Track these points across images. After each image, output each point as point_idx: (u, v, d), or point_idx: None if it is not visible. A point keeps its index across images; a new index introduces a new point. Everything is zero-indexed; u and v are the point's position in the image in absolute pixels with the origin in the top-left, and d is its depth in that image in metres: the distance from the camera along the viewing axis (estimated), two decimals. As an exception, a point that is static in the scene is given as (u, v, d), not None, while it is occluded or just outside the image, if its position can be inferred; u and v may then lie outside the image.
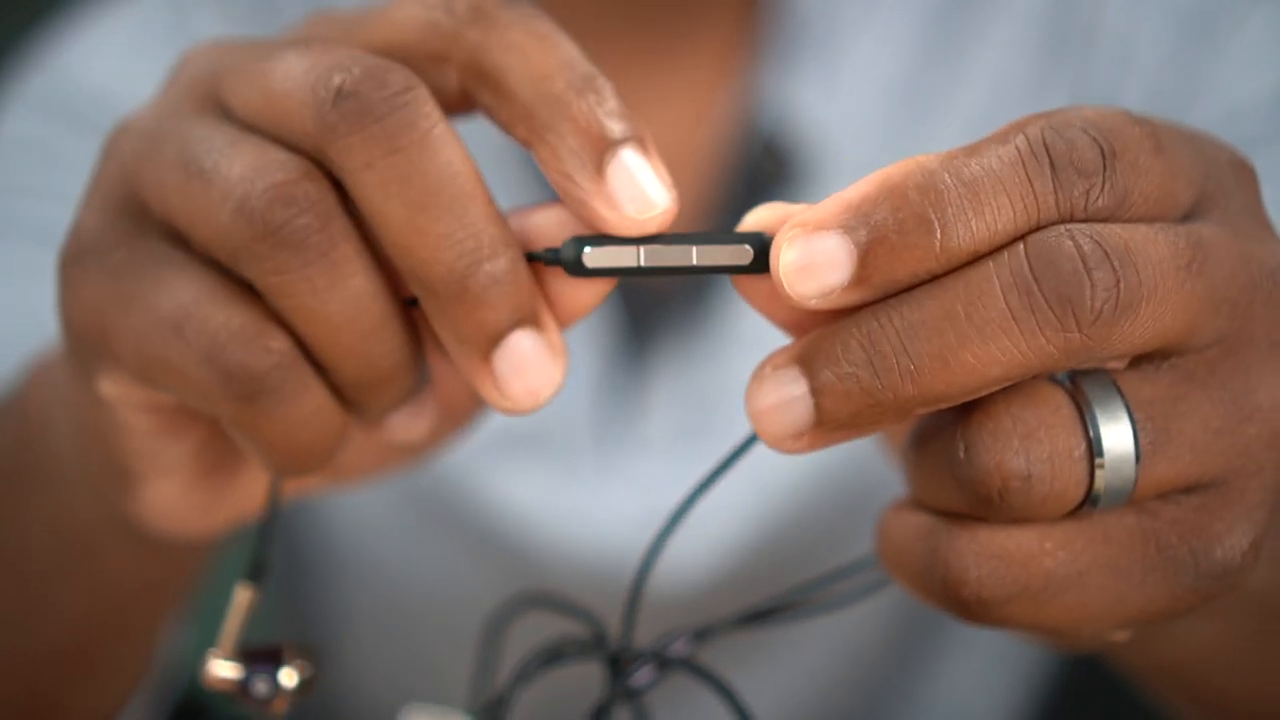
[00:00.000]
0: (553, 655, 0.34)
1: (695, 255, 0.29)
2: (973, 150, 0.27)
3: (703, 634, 0.33)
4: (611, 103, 0.29)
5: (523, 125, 0.30)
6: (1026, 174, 0.26)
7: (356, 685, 0.70)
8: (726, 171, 0.61)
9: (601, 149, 0.29)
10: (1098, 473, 0.27)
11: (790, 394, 0.28)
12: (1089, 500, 0.27)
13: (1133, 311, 0.26)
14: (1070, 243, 0.26)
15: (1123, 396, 0.27)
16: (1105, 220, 0.26)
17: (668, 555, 0.60)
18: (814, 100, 0.60)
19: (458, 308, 0.29)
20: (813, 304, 0.27)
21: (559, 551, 0.62)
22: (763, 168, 0.60)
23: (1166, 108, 0.60)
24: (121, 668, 0.50)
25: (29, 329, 0.51)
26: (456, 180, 0.29)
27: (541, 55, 0.30)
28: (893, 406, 0.27)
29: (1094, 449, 0.27)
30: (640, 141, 0.29)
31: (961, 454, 0.27)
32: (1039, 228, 0.26)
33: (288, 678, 0.33)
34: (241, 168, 0.29)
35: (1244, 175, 0.29)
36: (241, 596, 0.34)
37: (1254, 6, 0.60)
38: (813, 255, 0.27)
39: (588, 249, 0.29)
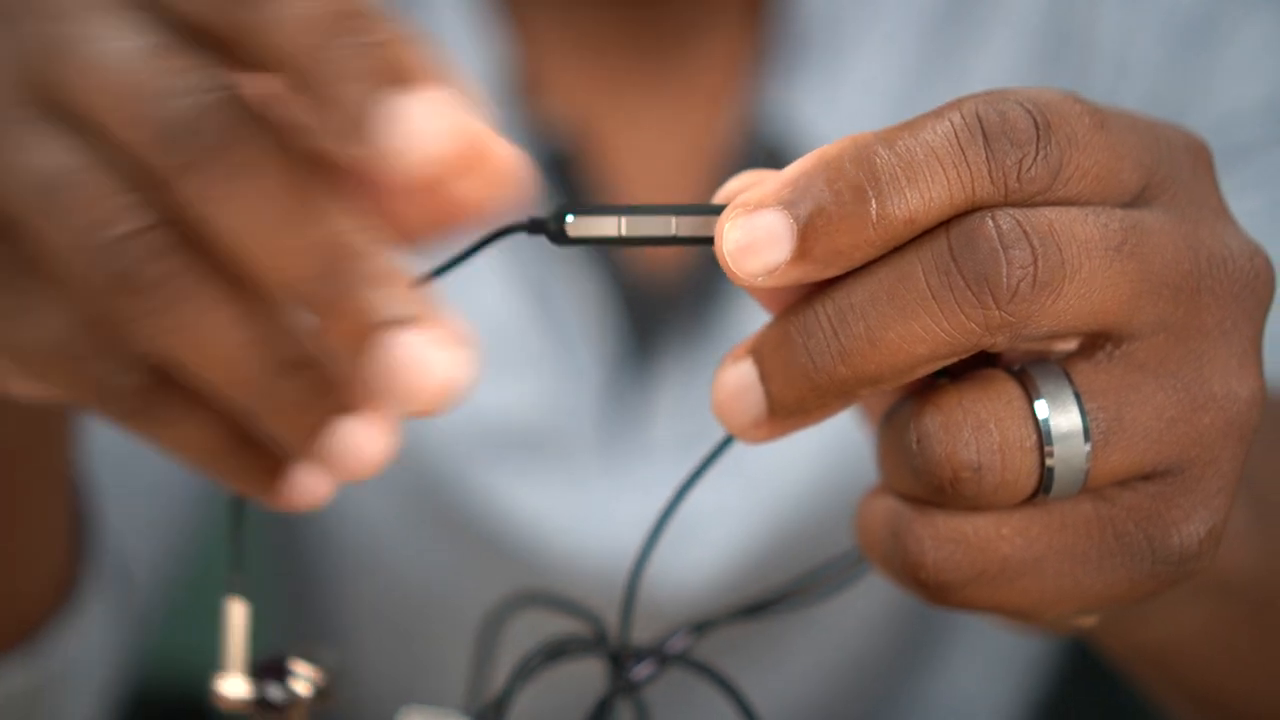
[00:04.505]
0: (554, 652, 0.34)
1: (674, 225, 0.29)
2: (909, 125, 0.27)
3: (701, 627, 0.33)
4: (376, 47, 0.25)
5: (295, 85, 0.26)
6: (959, 144, 0.27)
7: (360, 685, 0.70)
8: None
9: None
10: (1048, 462, 0.27)
11: (744, 384, 0.29)
12: (1043, 488, 0.28)
13: (1053, 289, 0.26)
14: (990, 223, 0.26)
15: (1073, 386, 0.28)
16: (1040, 192, 0.27)
17: (672, 559, 0.61)
18: (816, 111, 0.61)
19: (339, 317, 0.26)
20: (760, 282, 0.28)
21: (564, 555, 0.62)
22: (766, 177, 0.61)
23: (1162, 114, 0.60)
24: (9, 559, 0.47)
25: None
26: (305, 190, 0.26)
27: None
28: (831, 389, 0.28)
29: (1044, 439, 0.27)
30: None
31: (914, 444, 0.28)
32: (977, 202, 0.27)
33: (302, 687, 0.33)
34: (81, 218, 0.26)
35: (1200, 163, 0.30)
36: (235, 611, 0.33)
37: (1248, 15, 0.61)
38: (754, 233, 0.28)
39: (570, 218, 0.29)
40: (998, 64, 0.62)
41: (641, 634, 0.34)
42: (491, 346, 0.62)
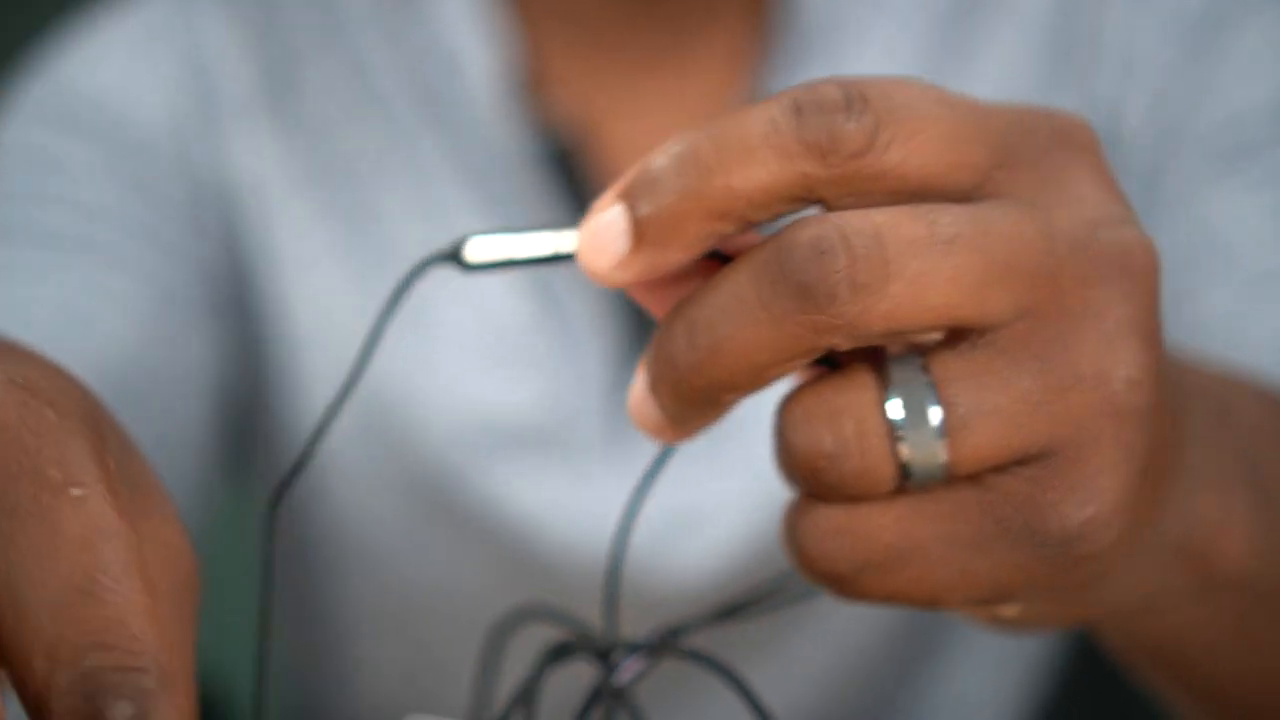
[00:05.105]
0: (552, 657, 0.34)
1: (558, 242, 0.30)
2: (733, 113, 0.29)
3: (677, 632, 0.33)
4: None
5: None
6: (773, 119, 0.28)
7: (361, 685, 0.71)
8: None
9: None
10: (904, 449, 0.28)
11: (641, 394, 0.30)
12: (905, 475, 0.28)
13: (873, 290, 0.27)
14: (810, 230, 0.27)
15: (927, 374, 0.28)
16: (859, 153, 0.28)
17: (677, 553, 0.61)
18: None
19: None
20: (616, 277, 0.29)
21: (568, 552, 0.63)
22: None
23: (1169, 114, 0.60)
24: None
25: (28, 330, 0.51)
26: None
27: None
28: (694, 397, 0.29)
29: (897, 427, 0.28)
30: None
31: (779, 437, 0.29)
32: (798, 171, 0.28)
33: None
34: None
35: (1070, 145, 0.30)
36: None
37: (1254, 14, 0.61)
38: (599, 232, 0.29)
39: (471, 240, 0.30)
40: (1004, 62, 0.62)
41: (646, 630, 0.34)
42: (496, 345, 0.62)
